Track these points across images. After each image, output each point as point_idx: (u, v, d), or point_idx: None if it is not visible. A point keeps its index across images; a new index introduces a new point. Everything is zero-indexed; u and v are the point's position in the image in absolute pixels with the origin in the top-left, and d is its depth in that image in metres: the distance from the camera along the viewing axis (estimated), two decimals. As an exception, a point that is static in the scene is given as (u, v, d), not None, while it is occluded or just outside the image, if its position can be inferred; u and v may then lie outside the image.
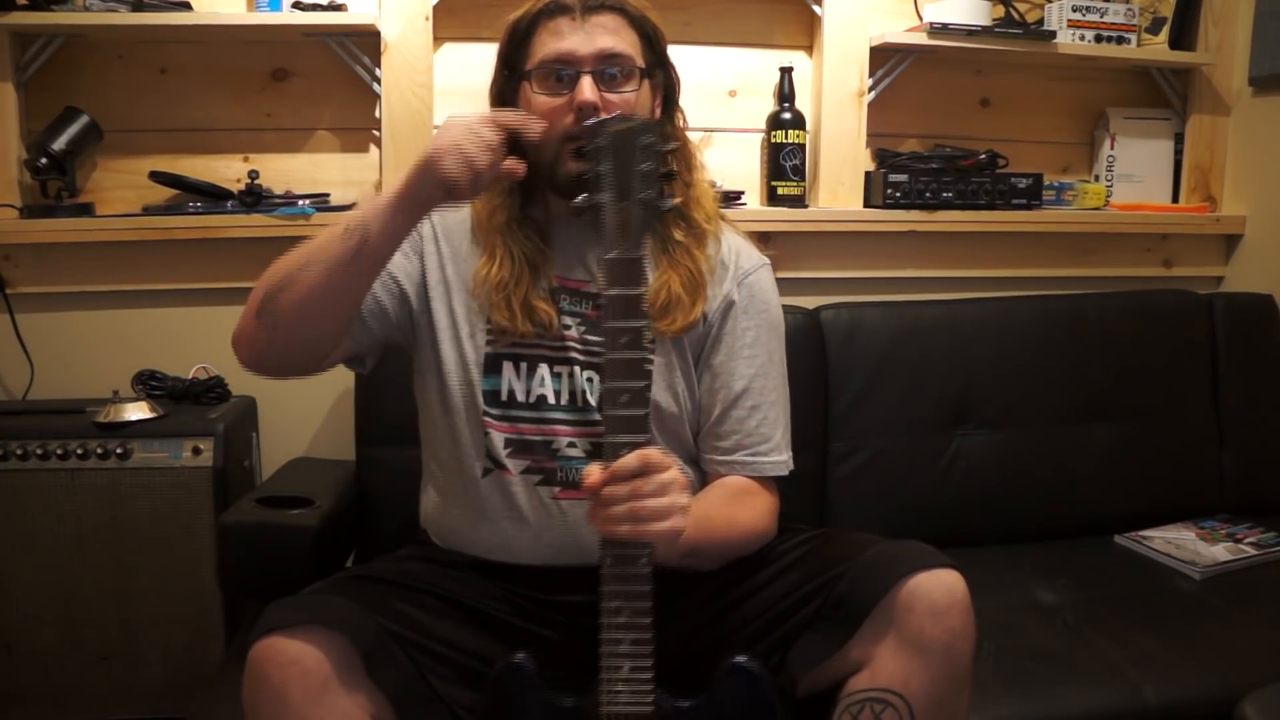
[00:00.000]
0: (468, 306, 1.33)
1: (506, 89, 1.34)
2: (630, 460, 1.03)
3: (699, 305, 1.33)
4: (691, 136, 1.42)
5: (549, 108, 1.27)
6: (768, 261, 1.43)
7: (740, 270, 1.39)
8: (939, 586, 1.12)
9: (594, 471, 1.04)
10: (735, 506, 1.31)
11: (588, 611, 1.24)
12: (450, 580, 1.28)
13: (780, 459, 1.36)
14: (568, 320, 1.32)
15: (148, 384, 1.92)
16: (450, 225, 1.37)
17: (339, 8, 1.94)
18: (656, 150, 1.06)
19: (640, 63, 1.29)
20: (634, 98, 1.28)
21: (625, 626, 1.06)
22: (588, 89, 1.25)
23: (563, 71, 1.26)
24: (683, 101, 1.42)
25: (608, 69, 1.26)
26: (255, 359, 1.26)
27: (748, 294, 1.38)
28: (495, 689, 1.17)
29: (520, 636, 1.25)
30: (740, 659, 1.14)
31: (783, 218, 2.09)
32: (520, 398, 1.31)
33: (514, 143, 1.34)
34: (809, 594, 1.20)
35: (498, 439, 1.30)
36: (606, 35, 1.27)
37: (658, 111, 1.35)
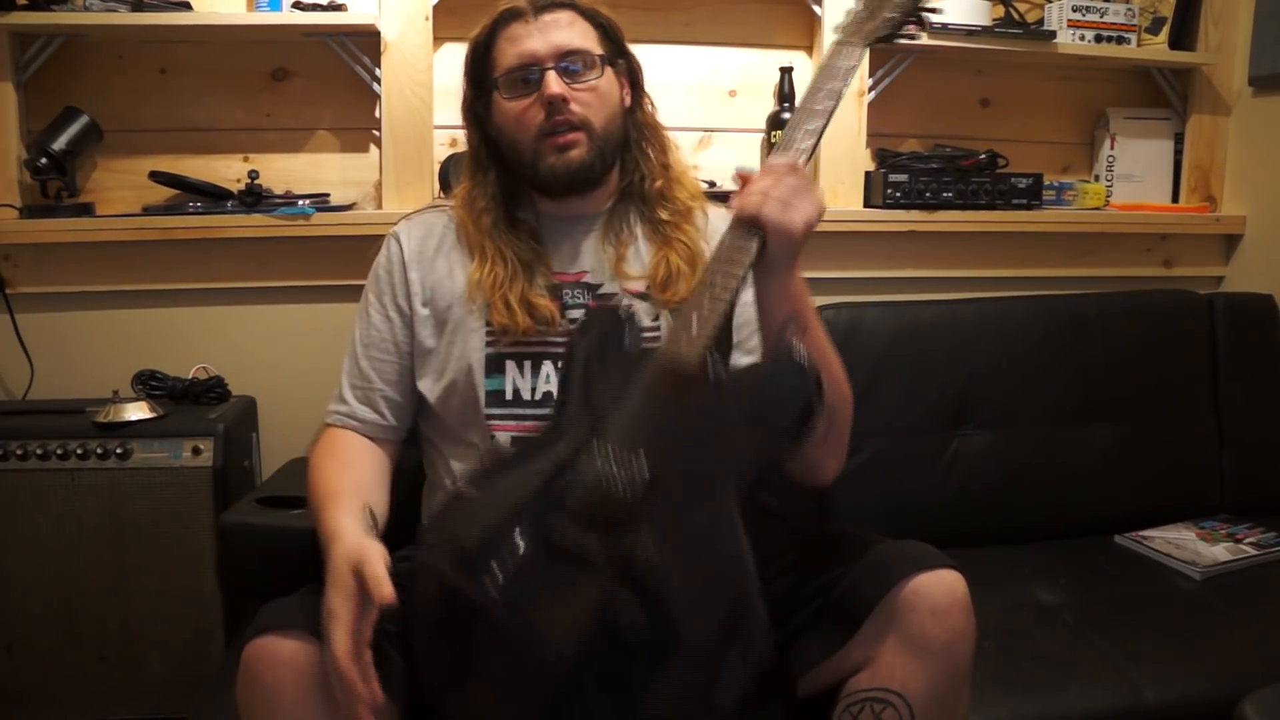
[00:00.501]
0: (458, 318, 1.33)
1: (477, 105, 1.37)
2: (783, 159, 1.16)
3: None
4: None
5: (520, 110, 1.31)
6: None
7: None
8: (940, 586, 1.12)
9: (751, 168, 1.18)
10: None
11: None
12: None
13: None
14: (574, 314, 1.33)
15: (148, 384, 1.92)
16: (423, 245, 1.39)
17: (339, 8, 1.94)
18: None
19: (600, 51, 1.33)
20: (600, 84, 1.32)
21: (714, 285, 1.13)
22: (553, 83, 1.28)
23: (528, 75, 1.30)
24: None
25: (570, 64, 1.30)
26: None
27: None
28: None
29: None
30: (795, 354, 1.13)
31: (783, 218, 2.08)
32: (525, 395, 1.31)
33: (493, 145, 1.36)
34: (810, 593, 1.19)
35: (504, 439, 1.30)
36: (562, 30, 1.31)
37: (628, 99, 1.38)
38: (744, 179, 1.18)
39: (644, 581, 1.02)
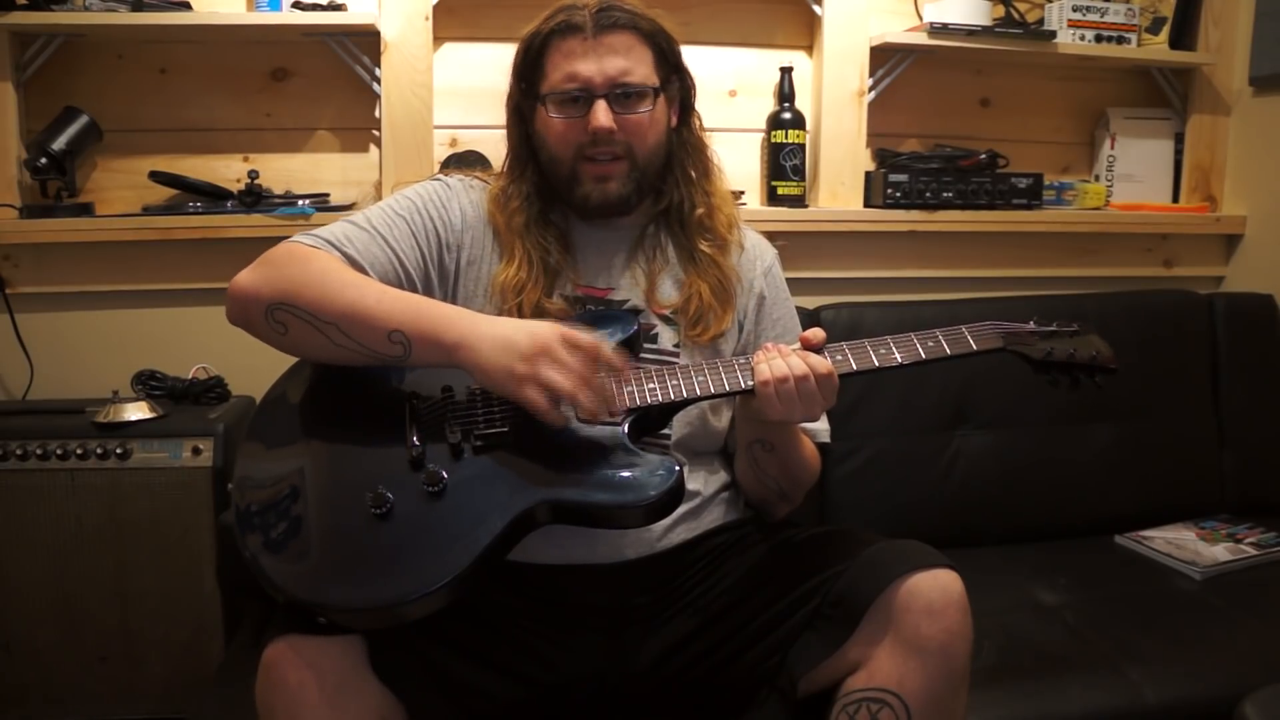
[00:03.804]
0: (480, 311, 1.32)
1: (524, 105, 1.35)
2: (829, 364, 1.18)
3: (729, 315, 1.36)
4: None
5: (565, 128, 1.29)
6: (777, 252, 1.50)
7: (764, 264, 1.45)
8: (935, 586, 1.12)
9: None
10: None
11: (599, 612, 1.24)
12: None
13: (825, 427, 1.43)
14: None
15: (148, 384, 1.92)
16: (478, 215, 1.36)
17: (339, 8, 1.94)
18: None
19: (654, 81, 1.31)
20: (648, 118, 1.30)
21: (690, 378, 1.22)
22: (602, 115, 1.27)
23: (577, 94, 1.28)
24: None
25: (621, 91, 1.28)
26: (248, 330, 1.27)
27: (773, 284, 1.45)
28: None
29: (532, 639, 1.24)
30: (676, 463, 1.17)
31: (783, 218, 2.09)
32: None
33: (532, 143, 1.35)
34: (807, 593, 1.20)
35: None
36: (618, 58, 1.28)
37: (674, 120, 1.36)
38: (805, 341, 1.20)
39: None
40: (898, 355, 1.22)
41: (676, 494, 1.13)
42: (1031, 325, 1.29)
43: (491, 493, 1.12)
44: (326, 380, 1.24)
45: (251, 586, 1.32)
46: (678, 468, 1.13)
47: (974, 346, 1.25)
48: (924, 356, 1.23)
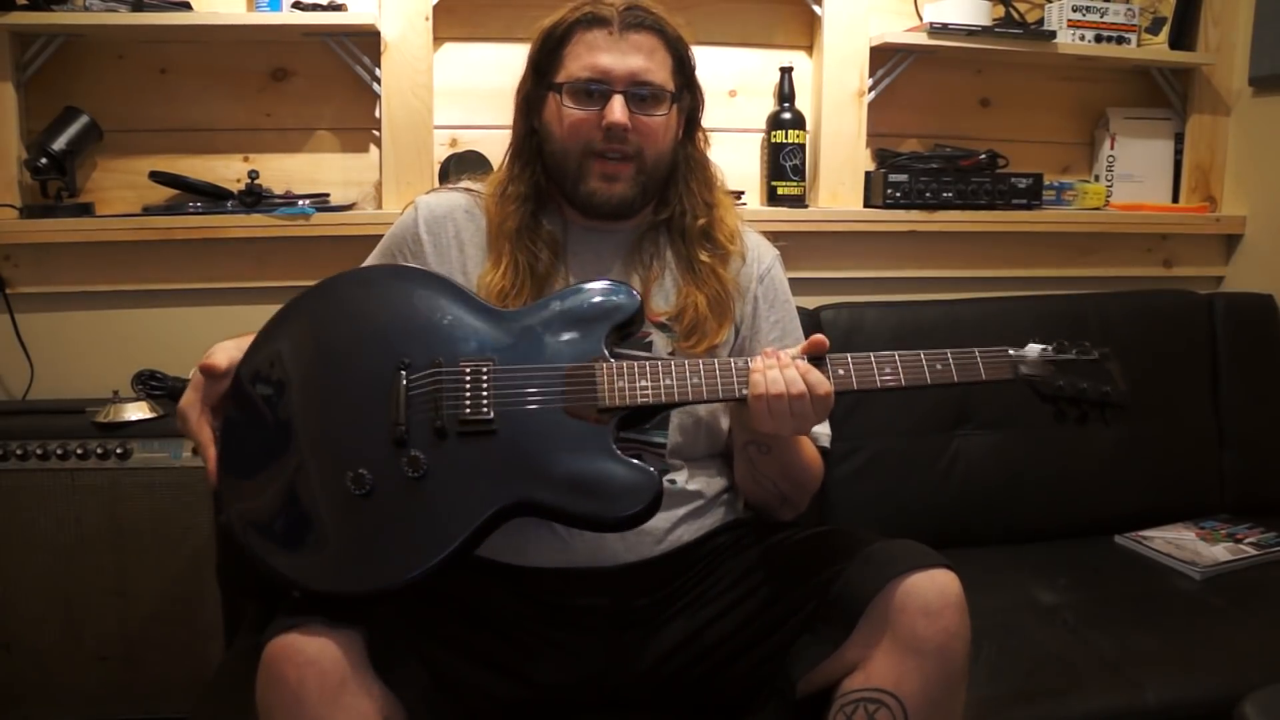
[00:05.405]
0: None
1: (534, 95, 1.34)
2: (830, 386, 1.17)
3: (725, 329, 1.35)
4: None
5: (577, 120, 1.28)
6: (778, 253, 1.48)
7: (762, 266, 1.43)
8: (932, 586, 1.12)
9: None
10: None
11: (599, 614, 1.24)
12: (460, 584, 1.27)
13: (826, 431, 1.41)
14: None
15: (148, 384, 1.92)
16: (443, 226, 1.37)
17: (339, 8, 1.94)
18: None
19: (671, 87, 1.30)
20: (662, 123, 1.30)
21: (686, 379, 1.20)
22: (619, 110, 1.26)
23: (594, 87, 1.27)
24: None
25: (639, 92, 1.27)
26: None
27: (770, 286, 1.43)
28: None
29: (532, 640, 1.24)
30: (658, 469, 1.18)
31: (783, 218, 2.09)
32: None
33: (537, 149, 1.34)
34: (805, 594, 1.20)
35: None
36: (641, 56, 1.28)
37: (679, 133, 1.36)
38: (806, 347, 1.19)
39: None
40: (903, 378, 1.21)
41: (653, 507, 1.13)
42: (1050, 350, 1.26)
43: (471, 484, 1.12)
44: (313, 341, 1.22)
45: (251, 586, 1.32)
46: (658, 477, 1.13)
47: (983, 376, 1.23)
48: (929, 382, 1.21)
